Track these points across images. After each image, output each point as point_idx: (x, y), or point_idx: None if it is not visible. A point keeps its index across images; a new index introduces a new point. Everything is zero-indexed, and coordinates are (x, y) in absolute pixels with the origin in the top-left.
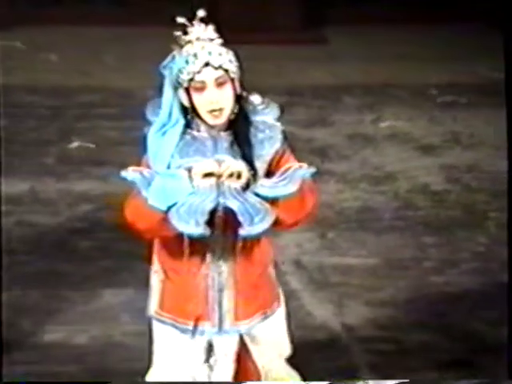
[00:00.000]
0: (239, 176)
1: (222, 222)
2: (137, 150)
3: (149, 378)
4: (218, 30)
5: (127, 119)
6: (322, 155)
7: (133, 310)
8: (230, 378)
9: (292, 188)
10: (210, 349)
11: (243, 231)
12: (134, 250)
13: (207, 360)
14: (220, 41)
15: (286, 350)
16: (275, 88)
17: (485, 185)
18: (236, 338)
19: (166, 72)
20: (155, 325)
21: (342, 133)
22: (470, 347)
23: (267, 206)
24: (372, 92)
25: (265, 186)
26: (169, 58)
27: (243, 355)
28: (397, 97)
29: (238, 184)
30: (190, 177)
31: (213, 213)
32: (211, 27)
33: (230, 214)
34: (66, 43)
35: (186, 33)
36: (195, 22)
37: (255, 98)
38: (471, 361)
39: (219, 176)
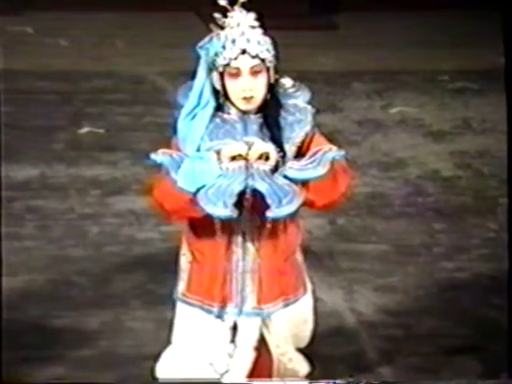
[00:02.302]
0: (267, 158)
1: (250, 204)
2: (147, 136)
3: (165, 357)
4: (259, 18)
5: (137, 105)
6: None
7: (143, 295)
8: (247, 368)
9: (321, 170)
10: (232, 334)
11: (271, 213)
12: (144, 235)
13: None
14: (260, 29)
15: (304, 342)
16: (285, 74)
17: (495, 171)
18: (257, 323)
19: (201, 52)
20: (180, 306)
21: (351, 119)
22: (480, 333)
23: (295, 187)
24: (382, 78)
25: (293, 169)
26: (206, 39)
27: (260, 344)
28: (407, 83)
29: (267, 166)
30: (219, 159)
31: (241, 195)
32: (252, 14)
33: (258, 196)
34: (77, 28)
35: (225, 16)
36: (236, 8)
37: (286, 81)
38: (480, 347)
39: (248, 158)
